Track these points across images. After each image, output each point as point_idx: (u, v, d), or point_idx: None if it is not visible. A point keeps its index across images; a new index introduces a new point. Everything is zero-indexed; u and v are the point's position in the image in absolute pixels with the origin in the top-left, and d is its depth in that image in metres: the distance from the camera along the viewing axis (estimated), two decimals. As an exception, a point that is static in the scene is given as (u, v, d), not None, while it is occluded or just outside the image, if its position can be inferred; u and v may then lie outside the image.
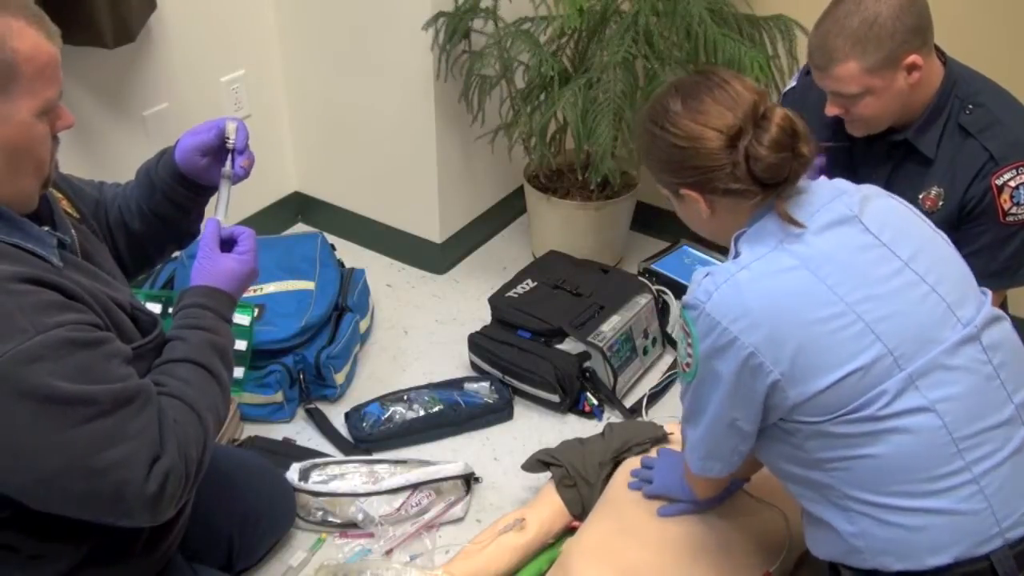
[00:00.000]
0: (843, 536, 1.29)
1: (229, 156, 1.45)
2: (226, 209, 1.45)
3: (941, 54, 1.73)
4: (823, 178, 1.36)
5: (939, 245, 1.36)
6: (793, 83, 1.94)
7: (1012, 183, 1.67)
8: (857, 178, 1.80)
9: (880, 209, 1.33)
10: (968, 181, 1.70)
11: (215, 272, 1.38)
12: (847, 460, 1.26)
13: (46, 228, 1.24)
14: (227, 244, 1.42)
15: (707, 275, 1.28)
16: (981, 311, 1.29)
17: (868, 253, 1.27)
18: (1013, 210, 1.68)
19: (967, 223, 1.74)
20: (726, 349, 1.25)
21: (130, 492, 1.16)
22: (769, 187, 1.27)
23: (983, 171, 1.68)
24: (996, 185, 1.67)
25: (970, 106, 1.70)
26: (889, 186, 1.78)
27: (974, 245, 1.73)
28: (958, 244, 1.75)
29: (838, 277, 1.24)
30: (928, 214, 1.73)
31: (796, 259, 1.25)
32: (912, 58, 1.62)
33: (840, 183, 1.36)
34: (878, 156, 1.80)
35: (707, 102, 1.28)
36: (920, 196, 1.75)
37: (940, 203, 1.74)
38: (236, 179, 1.46)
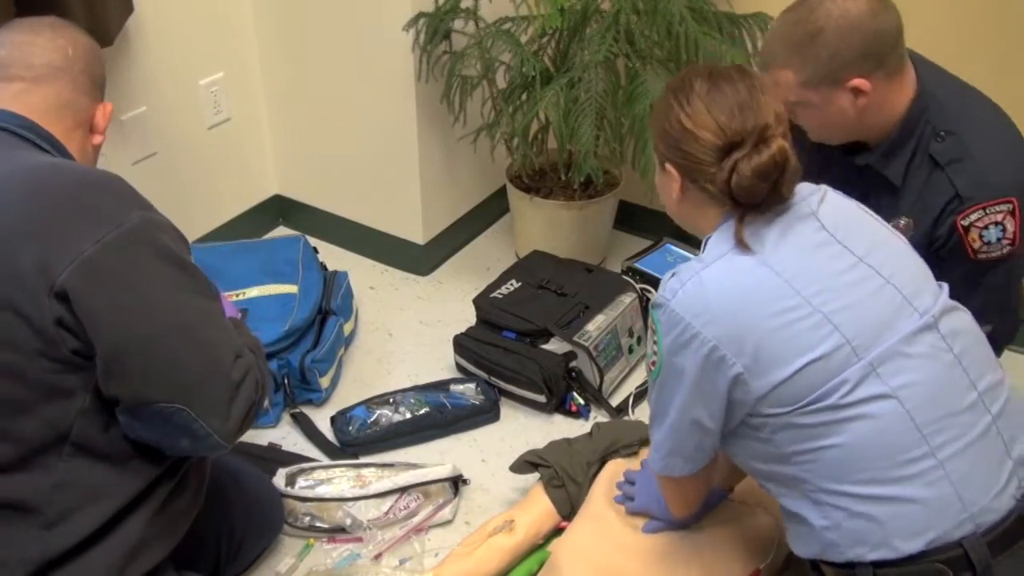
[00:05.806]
0: (818, 531, 1.31)
1: None
2: None
3: (917, 71, 1.61)
4: None
5: (894, 242, 1.38)
6: None
7: (979, 224, 1.57)
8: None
9: (835, 207, 1.36)
10: (935, 216, 1.61)
11: None
12: (814, 451, 1.28)
13: None
14: None
15: (673, 275, 1.32)
16: (938, 301, 1.32)
17: (824, 250, 1.31)
18: (984, 248, 1.59)
19: (939, 259, 1.60)
20: (689, 344, 1.28)
21: (219, 373, 1.29)
22: (739, 205, 1.30)
23: (948, 209, 1.59)
24: (962, 226, 1.58)
25: (942, 132, 1.59)
26: None
27: (948, 278, 1.57)
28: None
29: (795, 272, 1.28)
30: None
31: (756, 257, 1.29)
32: (857, 82, 1.53)
33: (800, 186, 1.36)
34: (847, 178, 1.66)
35: (727, 98, 1.29)
36: (890, 224, 1.67)
37: (910, 232, 1.63)
38: None
